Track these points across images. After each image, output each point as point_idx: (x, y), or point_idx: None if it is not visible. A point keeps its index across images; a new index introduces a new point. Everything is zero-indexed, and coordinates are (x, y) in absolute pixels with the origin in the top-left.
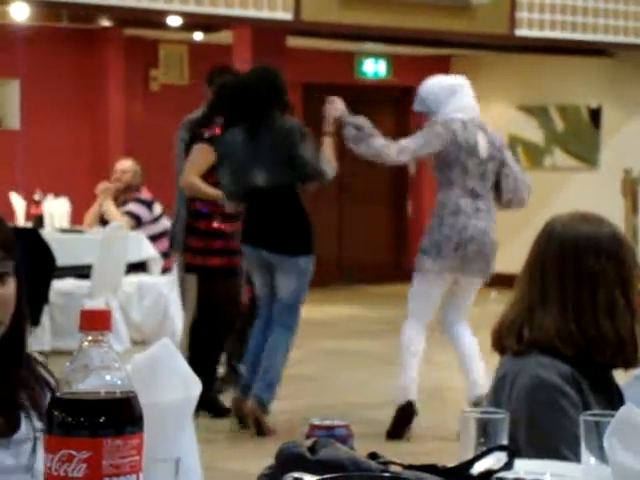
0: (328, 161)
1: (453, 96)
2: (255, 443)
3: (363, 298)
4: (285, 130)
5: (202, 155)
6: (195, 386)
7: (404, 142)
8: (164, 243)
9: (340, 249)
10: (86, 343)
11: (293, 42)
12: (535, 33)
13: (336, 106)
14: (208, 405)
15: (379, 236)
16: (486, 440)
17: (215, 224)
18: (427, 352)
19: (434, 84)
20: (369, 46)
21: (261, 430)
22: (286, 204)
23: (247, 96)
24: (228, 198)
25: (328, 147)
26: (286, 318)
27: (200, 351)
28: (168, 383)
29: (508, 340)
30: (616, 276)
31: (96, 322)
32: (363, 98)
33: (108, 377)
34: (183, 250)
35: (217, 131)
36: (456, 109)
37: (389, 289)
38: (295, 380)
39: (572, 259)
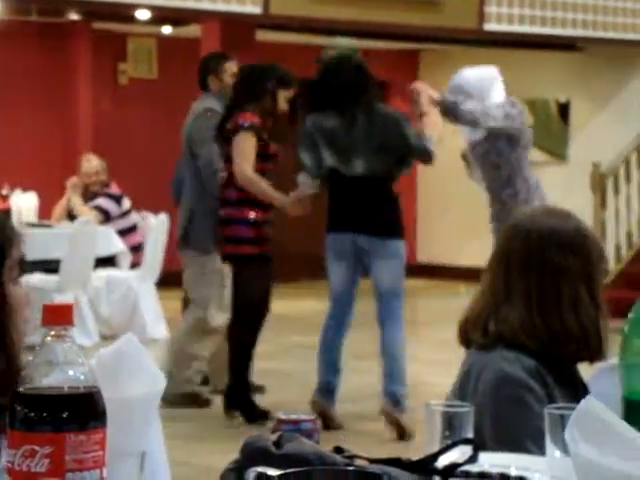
0: (434, 140)
1: (495, 85)
2: (229, 438)
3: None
4: (388, 116)
5: (250, 145)
6: (160, 381)
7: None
8: (133, 237)
9: (310, 243)
10: (49, 338)
11: (262, 36)
12: (504, 27)
13: (428, 89)
14: (246, 409)
15: None
16: (451, 433)
17: (251, 213)
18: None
19: (476, 74)
20: (339, 40)
21: (402, 433)
22: (382, 190)
23: (341, 82)
24: (313, 182)
25: (429, 126)
26: (393, 310)
27: (237, 349)
28: (133, 378)
29: (474, 334)
30: (580, 271)
31: (59, 317)
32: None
33: (71, 372)
34: (217, 242)
35: (255, 119)
36: (499, 98)
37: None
38: (266, 375)
39: (536, 253)
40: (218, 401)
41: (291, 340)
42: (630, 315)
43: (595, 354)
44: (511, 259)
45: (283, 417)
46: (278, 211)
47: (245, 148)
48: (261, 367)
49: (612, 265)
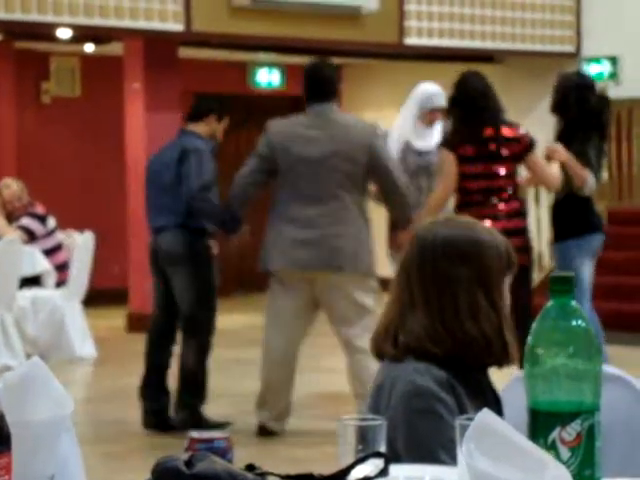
0: None
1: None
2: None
3: (263, 307)
4: None
5: None
6: (68, 404)
7: None
8: (58, 256)
9: (240, 257)
10: None
11: (186, 52)
12: (424, 41)
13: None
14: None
15: None
16: (364, 447)
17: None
18: (318, 358)
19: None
20: (262, 56)
21: None
22: None
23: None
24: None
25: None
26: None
27: None
28: (39, 401)
29: (385, 346)
30: (476, 278)
31: None
32: (257, 108)
33: None
34: None
35: None
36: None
37: None
38: None
39: (430, 263)
40: (137, 418)
41: (222, 355)
42: (533, 326)
43: (501, 359)
44: (411, 270)
45: (196, 436)
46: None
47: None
48: None
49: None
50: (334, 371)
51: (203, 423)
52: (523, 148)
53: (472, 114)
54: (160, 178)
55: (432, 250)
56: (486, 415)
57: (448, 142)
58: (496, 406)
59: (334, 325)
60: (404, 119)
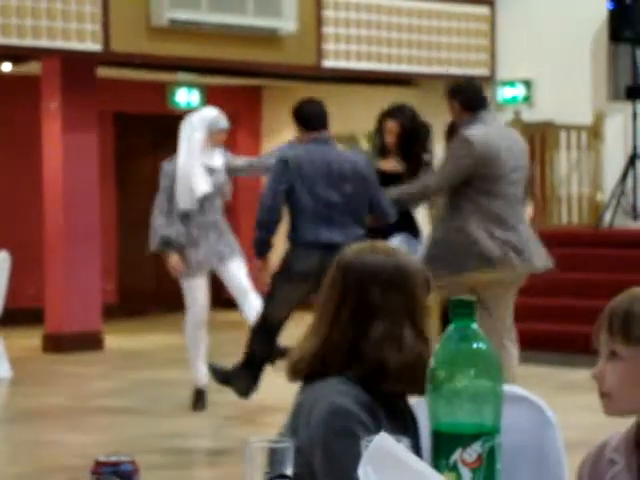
0: None
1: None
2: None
3: (181, 326)
4: None
5: None
6: None
7: None
8: None
9: (158, 278)
10: None
11: (105, 72)
12: (342, 64)
13: None
14: None
15: None
16: (272, 469)
17: None
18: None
19: None
20: (182, 76)
21: None
22: None
23: None
24: None
25: None
26: None
27: None
28: None
29: (305, 367)
30: (401, 307)
31: None
32: (176, 128)
33: None
34: None
35: None
36: None
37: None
38: (110, 412)
39: (355, 291)
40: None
41: (139, 376)
42: (436, 349)
43: (424, 388)
44: (334, 296)
45: (102, 459)
46: (126, 248)
47: None
48: (105, 405)
49: None
50: None
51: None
52: None
53: None
54: None
55: (357, 278)
56: (383, 439)
57: None
58: (414, 429)
59: None
60: (190, 149)
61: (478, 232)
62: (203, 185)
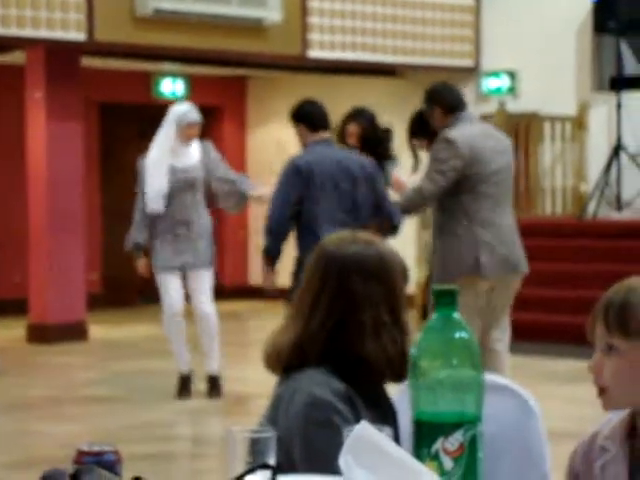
0: None
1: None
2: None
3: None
4: None
5: None
6: None
7: None
8: None
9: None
10: None
11: (89, 62)
12: (327, 54)
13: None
14: None
15: None
16: (254, 459)
17: None
18: None
19: None
20: (166, 66)
21: None
22: None
23: None
24: None
25: None
26: None
27: None
28: None
29: (285, 357)
30: (381, 296)
31: None
32: (161, 118)
33: None
34: None
35: None
36: None
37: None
38: (94, 402)
39: (336, 280)
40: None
41: (122, 367)
42: (417, 339)
43: (401, 376)
44: (314, 285)
45: (85, 449)
46: (110, 238)
47: None
48: (88, 394)
49: None
50: None
51: None
52: None
53: None
54: None
55: (338, 267)
56: (363, 428)
57: None
58: (392, 418)
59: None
60: (160, 144)
61: (467, 237)
62: (157, 184)
